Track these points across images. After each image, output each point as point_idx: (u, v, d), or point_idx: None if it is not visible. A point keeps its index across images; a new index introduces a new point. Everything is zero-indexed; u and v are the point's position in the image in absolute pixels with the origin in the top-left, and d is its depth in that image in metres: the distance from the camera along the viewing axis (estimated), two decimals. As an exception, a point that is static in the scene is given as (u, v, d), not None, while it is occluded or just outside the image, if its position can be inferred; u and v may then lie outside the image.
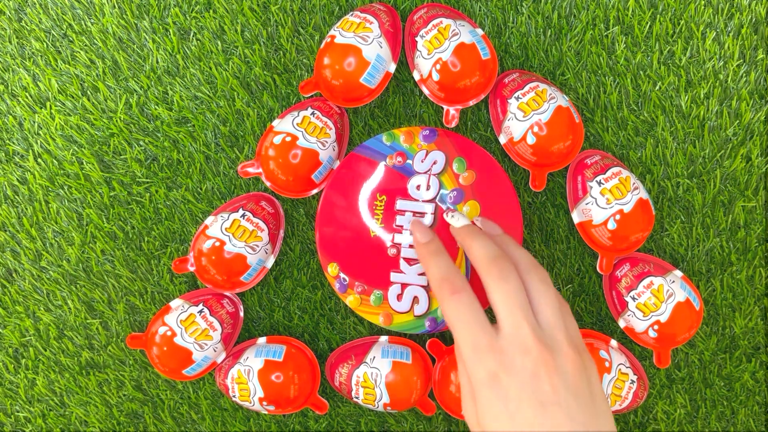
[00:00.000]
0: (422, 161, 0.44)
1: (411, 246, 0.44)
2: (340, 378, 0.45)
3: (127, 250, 0.47)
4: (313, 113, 0.43)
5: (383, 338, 0.46)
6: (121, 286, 0.47)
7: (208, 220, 0.44)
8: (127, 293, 0.47)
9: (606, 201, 0.43)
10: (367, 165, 0.44)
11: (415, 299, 0.44)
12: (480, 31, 0.43)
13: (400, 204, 0.44)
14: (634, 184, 0.43)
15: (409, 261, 0.44)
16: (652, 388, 0.47)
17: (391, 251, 0.44)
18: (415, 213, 0.44)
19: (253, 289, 0.47)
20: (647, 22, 0.45)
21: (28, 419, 0.48)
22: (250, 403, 0.44)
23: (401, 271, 0.44)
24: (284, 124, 0.43)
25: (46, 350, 0.47)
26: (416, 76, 0.44)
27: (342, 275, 0.45)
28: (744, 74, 0.45)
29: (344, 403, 0.47)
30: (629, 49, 0.45)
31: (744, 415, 0.48)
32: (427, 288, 0.44)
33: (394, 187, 0.44)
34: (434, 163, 0.44)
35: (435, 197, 0.44)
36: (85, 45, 0.46)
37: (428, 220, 0.44)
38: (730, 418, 0.48)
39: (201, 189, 0.46)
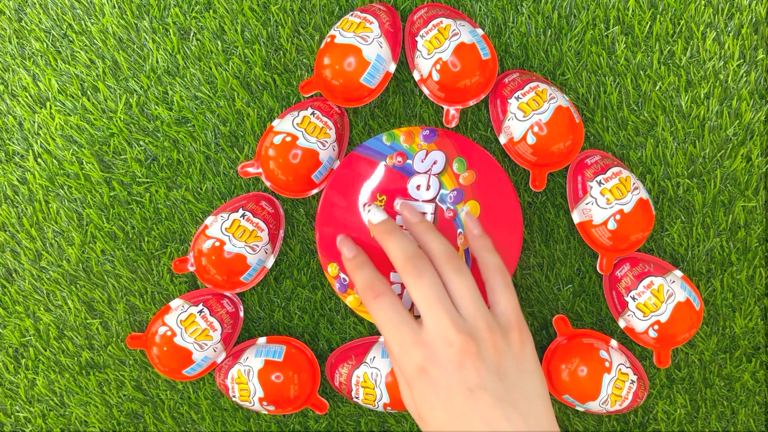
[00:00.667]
0: (422, 161, 0.44)
1: None
2: (340, 378, 0.45)
3: (127, 250, 0.47)
4: (313, 113, 0.43)
5: (383, 338, 0.45)
6: (121, 286, 0.47)
7: (208, 220, 0.44)
8: (127, 293, 0.47)
9: (606, 201, 0.43)
10: (367, 165, 0.44)
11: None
12: (480, 31, 0.43)
13: (398, 203, 0.44)
14: (634, 184, 0.43)
15: None
16: (652, 388, 0.47)
17: None
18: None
19: (253, 289, 0.47)
20: (647, 22, 0.45)
21: (28, 419, 0.48)
22: (250, 403, 0.44)
23: None
24: (284, 124, 0.43)
25: (46, 350, 0.47)
26: (416, 76, 0.44)
27: (342, 275, 0.45)
28: (744, 74, 0.45)
29: (344, 403, 0.47)
30: (629, 49, 0.45)
31: (744, 415, 0.48)
32: None
33: (394, 187, 0.44)
34: (434, 163, 0.44)
35: (435, 197, 0.44)
36: (85, 45, 0.46)
37: (428, 219, 0.44)
38: (730, 418, 0.48)
39: (201, 189, 0.46)
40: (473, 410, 0.34)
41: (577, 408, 0.44)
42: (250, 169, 0.44)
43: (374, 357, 0.44)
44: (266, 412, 0.45)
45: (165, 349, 0.44)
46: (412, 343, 0.35)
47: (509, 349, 0.36)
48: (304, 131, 0.43)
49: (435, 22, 0.43)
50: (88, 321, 0.47)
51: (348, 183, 0.44)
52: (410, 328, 0.36)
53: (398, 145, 0.44)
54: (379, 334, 0.46)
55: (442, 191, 0.44)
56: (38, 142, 0.46)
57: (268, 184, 0.44)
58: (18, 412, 0.48)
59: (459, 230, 0.44)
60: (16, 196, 0.47)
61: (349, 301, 0.45)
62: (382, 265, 0.44)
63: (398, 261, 0.38)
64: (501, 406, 0.34)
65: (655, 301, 0.43)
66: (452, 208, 0.44)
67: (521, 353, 0.36)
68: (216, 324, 0.44)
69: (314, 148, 0.43)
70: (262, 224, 0.44)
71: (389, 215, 0.43)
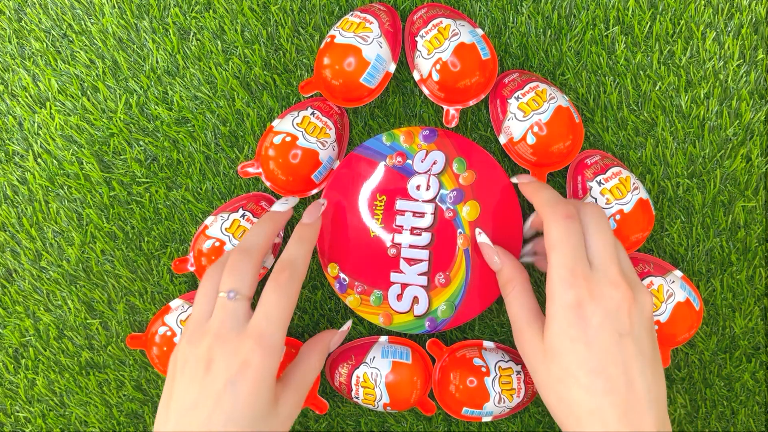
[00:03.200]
0: (422, 161, 0.44)
1: (411, 246, 0.44)
2: (339, 378, 0.45)
3: (127, 250, 0.47)
4: (313, 113, 0.43)
5: (383, 338, 0.46)
6: (120, 286, 0.47)
7: (208, 220, 0.44)
8: (127, 293, 0.47)
9: (606, 201, 0.43)
10: (367, 165, 0.44)
11: (415, 299, 0.44)
12: (480, 31, 0.43)
13: (400, 204, 0.44)
14: (634, 184, 0.43)
15: (410, 261, 0.44)
16: (652, 388, 0.47)
17: (391, 251, 0.44)
18: (415, 213, 0.44)
19: (253, 289, 0.47)
20: (647, 22, 0.45)
21: (28, 419, 0.48)
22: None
23: (401, 271, 0.44)
24: (284, 124, 0.43)
25: (45, 350, 0.47)
26: (416, 76, 0.44)
27: (342, 275, 0.45)
28: (744, 74, 0.45)
29: (344, 403, 0.47)
30: (629, 49, 0.45)
31: (744, 415, 0.48)
32: (426, 288, 0.44)
33: (394, 187, 0.44)
34: (434, 163, 0.44)
35: (435, 197, 0.44)
36: (85, 45, 0.46)
37: (428, 220, 0.44)
38: (730, 418, 0.48)
39: (201, 189, 0.46)
40: (615, 354, 0.35)
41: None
42: (250, 169, 0.44)
43: (374, 357, 0.44)
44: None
45: (165, 349, 0.44)
46: (582, 275, 0.36)
47: (650, 310, 0.37)
48: (304, 131, 0.43)
49: (435, 22, 0.43)
50: (88, 321, 0.47)
51: (348, 183, 0.44)
52: (584, 261, 0.36)
53: (398, 145, 0.44)
54: (378, 334, 0.46)
55: (442, 191, 0.44)
56: (38, 142, 0.46)
57: (267, 184, 0.44)
58: (18, 412, 0.48)
59: (459, 230, 0.44)
60: (16, 196, 0.47)
61: (349, 301, 0.45)
62: (384, 265, 0.44)
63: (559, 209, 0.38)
64: (640, 359, 0.35)
65: (655, 301, 0.43)
66: (452, 208, 0.44)
67: (651, 317, 0.38)
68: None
69: (314, 148, 0.43)
70: None
71: (393, 214, 0.44)
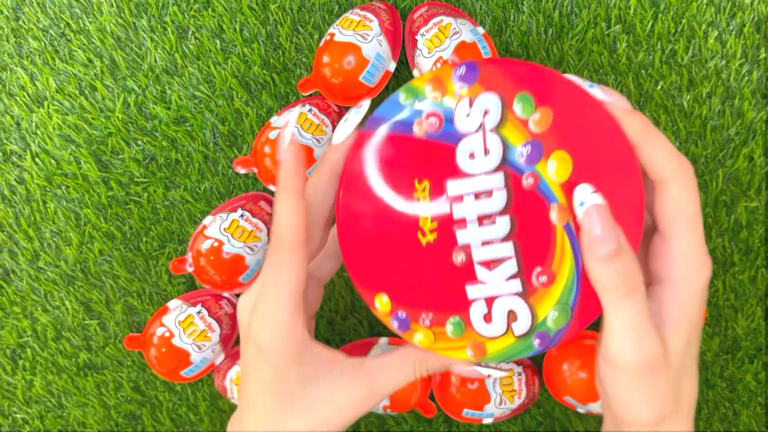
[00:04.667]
0: (467, 115, 0.30)
1: (485, 243, 0.30)
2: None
3: (125, 251, 0.46)
4: (310, 110, 0.43)
5: (383, 339, 0.45)
6: (119, 286, 0.47)
7: (207, 220, 0.44)
8: (125, 294, 0.47)
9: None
10: (388, 144, 0.30)
11: (511, 315, 0.31)
12: (481, 30, 0.43)
13: (452, 187, 0.30)
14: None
15: (489, 264, 0.30)
16: (653, 389, 0.47)
17: (459, 257, 0.31)
18: (478, 194, 0.30)
19: (252, 290, 0.47)
20: (649, 21, 0.45)
21: (26, 420, 0.48)
22: (249, 404, 0.44)
23: (480, 281, 0.31)
24: (282, 121, 0.43)
25: (43, 351, 0.47)
26: (416, 74, 0.43)
27: (399, 311, 0.31)
28: (746, 73, 0.45)
29: (344, 405, 0.47)
30: (631, 48, 0.45)
31: (746, 416, 0.47)
32: (523, 294, 0.30)
33: (438, 165, 0.30)
34: (486, 113, 0.30)
35: (501, 162, 0.30)
36: (83, 44, 0.45)
37: (500, 199, 0.30)
38: (732, 420, 0.47)
39: (199, 189, 0.46)
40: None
41: (578, 410, 0.44)
42: (242, 170, 0.44)
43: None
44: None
45: (163, 350, 0.44)
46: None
47: None
48: (300, 127, 0.42)
49: (435, 20, 0.42)
50: (86, 322, 0.47)
51: (367, 179, 0.31)
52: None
53: (425, 101, 0.30)
54: (379, 335, 0.46)
55: (508, 151, 0.30)
56: (36, 141, 0.46)
57: (272, 187, 0.44)
58: (16, 413, 0.48)
59: (550, 201, 0.30)
60: (14, 196, 0.46)
61: (419, 340, 0.31)
62: (453, 279, 0.31)
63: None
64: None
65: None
66: (531, 171, 0.30)
67: None
68: (214, 325, 0.44)
69: (309, 144, 0.42)
70: (261, 224, 0.44)
71: (446, 204, 0.30)
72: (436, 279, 0.31)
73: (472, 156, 0.30)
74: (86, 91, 0.46)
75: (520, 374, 0.44)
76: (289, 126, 0.31)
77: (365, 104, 0.31)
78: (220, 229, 0.43)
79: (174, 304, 0.45)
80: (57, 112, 0.46)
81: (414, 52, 0.43)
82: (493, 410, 0.44)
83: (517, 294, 0.31)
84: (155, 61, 0.45)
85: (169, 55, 0.45)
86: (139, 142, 0.46)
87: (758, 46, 0.45)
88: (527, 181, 0.30)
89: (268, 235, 0.44)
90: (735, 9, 0.45)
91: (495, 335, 0.31)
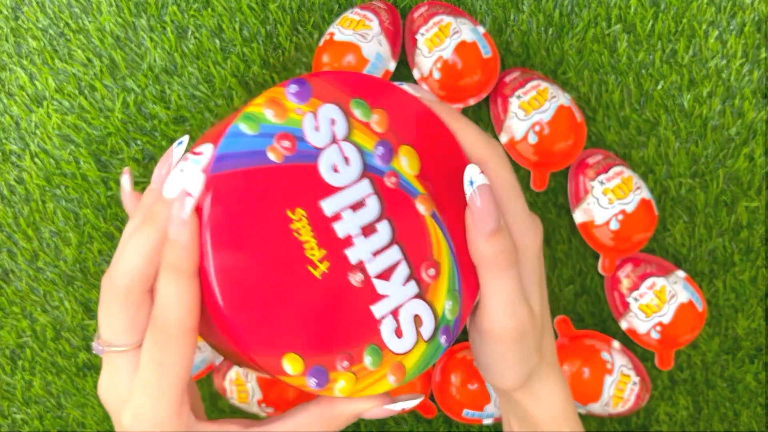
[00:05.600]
0: (317, 129, 0.28)
1: (376, 253, 0.29)
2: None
3: (125, 251, 0.46)
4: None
5: None
6: (118, 286, 0.47)
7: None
8: (125, 294, 0.47)
9: (608, 201, 0.42)
10: (246, 179, 0.27)
11: (417, 320, 0.30)
12: (481, 29, 0.43)
13: (327, 207, 0.28)
14: (636, 183, 0.43)
15: (385, 275, 0.29)
16: (654, 389, 0.47)
17: (356, 278, 0.29)
18: (354, 206, 0.29)
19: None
20: (649, 21, 0.45)
21: (25, 421, 0.48)
22: (249, 405, 0.44)
23: (383, 296, 0.29)
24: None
25: (43, 351, 0.47)
26: (416, 74, 0.43)
27: (313, 365, 0.27)
28: (747, 73, 0.45)
29: (344, 405, 0.47)
30: (631, 48, 0.45)
31: (746, 416, 0.47)
32: (421, 294, 0.30)
33: (305, 188, 0.28)
34: (333, 123, 0.28)
35: (364, 168, 0.29)
36: (83, 43, 0.45)
37: (374, 204, 0.29)
38: (732, 420, 0.47)
39: (199, 189, 0.46)
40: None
41: (579, 410, 0.44)
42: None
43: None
44: (265, 414, 0.45)
45: (163, 350, 0.44)
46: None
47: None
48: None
49: (435, 20, 0.42)
50: (85, 322, 0.47)
51: (234, 224, 0.26)
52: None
53: (270, 125, 0.27)
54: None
55: (365, 156, 0.29)
56: (35, 141, 0.46)
57: None
58: (15, 413, 0.48)
59: (413, 195, 0.30)
60: (13, 196, 0.46)
61: (341, 389, 0.28)
62: (357, 305, 0.29)
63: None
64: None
65: (658, 302, 0.43)
66: (390, 170, 0.29)
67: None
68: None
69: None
70: None
71: (327, 226, 0.28)
72: (341, 311, 0.28)
73: (335, 169, 0.28)
74: (85, 91, 0.46)
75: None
76: (191, 181, 0.25)
77: (184, 140, 0.28)
78: None
79: (173, 304, 0.45)
80: (56, 111, 0.46)
81: (414, 51, 0.43)
82: (493, 410, 0.43)
83: (416, 296, 0.30)
84: (155, 60, 0.45)
85: (168, 54, 0.45)
86: (139, 142, 0.46)
87: (759, 46, 0.45)
88: (390, 180, 0.29)
89: None
90: (735, 8, 0.45)
91: (408, 348, 0.30)
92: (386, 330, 0.29)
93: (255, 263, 0.27)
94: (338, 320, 0.28)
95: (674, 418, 0.47)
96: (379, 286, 0.29)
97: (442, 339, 0.30)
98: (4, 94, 0.46)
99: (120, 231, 0.46)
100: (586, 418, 0.47)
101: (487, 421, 0.44)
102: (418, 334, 0.30)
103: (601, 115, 0.45)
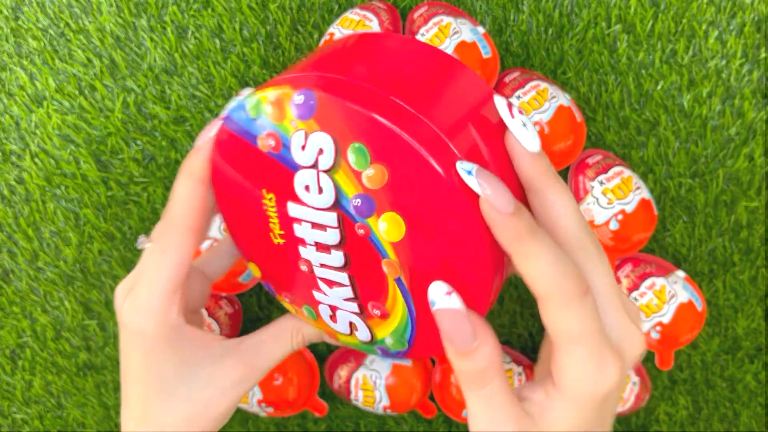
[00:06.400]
0: (303, 149, 0.27)
1: (323, 266, 0.30)
2: (339, 380, 0.44)
3: (125, 251, 0.46)
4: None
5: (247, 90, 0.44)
6: (118, 286, 0.47)
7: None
8: (125, 294, 0.47)
9: (608, 201, 0.42)
10: (239, 147, 0.29)
11: (352, 326, 0.31)
12: (481, 30, 0.43)
13: (292, 210, 0.29)
14: (636, 183, 0.43)
15: (328, 283, 0.30)
16: (654, 389, 0.47)
17: (303, 266, 0.30)
18: (314, 224, 0.28)
19: (251, 291, 0.46)
20: (649, 21, 0.45)
21: (25, 421, 0.48)
22: (249, 404, 0.44)
23: (323, 292, 0.31)
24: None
25: (43, 351, 0.47)
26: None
27: (266, 281, 0.33)
28: (747, 73, 0.45)
29: (343, 405, 0.47)
30: (631, 48, 0.45)
31: (746, 416, 0.47)
32: (361, 316, 0.30)
33: (280, 184, 0.28)
34: (320, 152, 0.26)
35: (335, 204, 0.27)
36: (83, 43, 0.45)
37: (333, 236, 0.28)
38: (732, 420, 0.47)
39: (199, 189, 0.46)
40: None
41: None
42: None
43: (373, 359, 0.44)
44: (265, 414, 0.45)
45: (163, 350, 0.44)
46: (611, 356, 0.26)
47: None
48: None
49: (435, 20, 0.42)
50: (85, 322, 0.47)
51: (228, 169, 0.30)
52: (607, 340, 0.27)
53: (266, 120, 0.27)
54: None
55: (341, 196, 0.27)
56: (35, 141, 0.46)
57: None
58: (15, 413, 0.48)
59: (384, 257, 0.28)
60: (13, 196, 0.46)
61: (286, 304, 0.33)
62: (302, 279, 0.31)
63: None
64: None
65: (657, 302, 0.43)
66: (362, 222, 0.27)
67: None
68: (214, 325, 0.44)
69: None
70: None
71: (289, 220, 0.29)
72: (289, 273, 0.31)
73: (307, 189, 0.28)
74: (86, 91, 0.46)
75: (520, 374, 0.44)
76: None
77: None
78: (219, 229, 0.43)
79: (173, 304, 0.45)
80: (56, 111, 0.46)
81: (414, 51, 0.43)
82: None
83: (355, 313, 0.31)
84: (155, 60, 0.45)
85: (168, 54, 0.45)
86: (139, 142, 0.46)
87: (759, 46, 0.45)
88: (359, 231, 0.27)
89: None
90: (735, 8, 0.45)
91: (341, 332, 0.32)
92: (322, 310, 0.32)
93: (240, 197, 0.30)
94: (286, 275, 0.31)
95: (674, 418, 0.47)
96: (322, 285, 0.30)
97: (378, 350, 0.32)
98: (4, 94, 0.46)
99: (120, 231, 0.46)
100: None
101: (487, 421, 0.44)
102: (353, 333, 0.32)
103: (601, 115, 0.45)
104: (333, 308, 0.31)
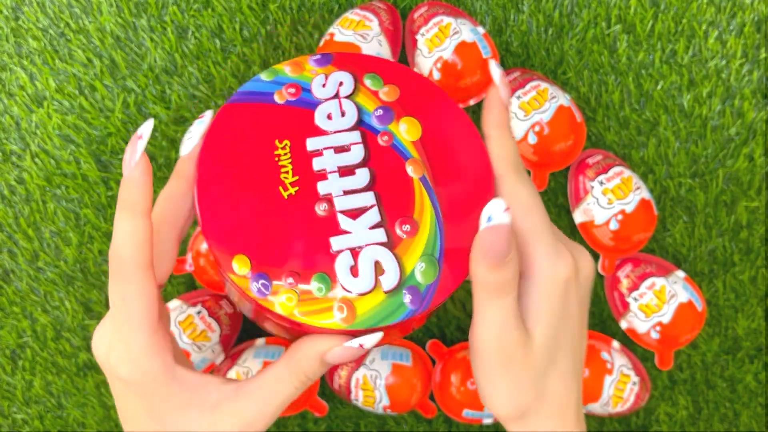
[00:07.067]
0: (323, 86, 0.32)
1: (347, 192, 0.30)
2: (339, 380, 0.44)
3: (125, 251, 0.46)
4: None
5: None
6: (118, 286, 0.47)
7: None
8: (125, 294, 0.47)
9: (608, 201, 0.42)
10: (250, 111, 0.31)
11: (378, 267, 0.29)
12: (481, 30, 0.43)
13: (312, 143, 0.30)
14: (636, 184, 0.43)
15: (352, 214, 0.29)
16: (654, 389, 0.47)
17: (321, 207, 0.29)
18: (337, 149, 0.30)
19: (251, 290, 0.46)
20: (649, 21, 0.45)
21: (25, 421, 0.48)
22: (249, 404, 0.44)
23: (345, 231, 0.29)
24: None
25: (43, 351, 0.47)
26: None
27: (259, 272, 0.29)
28: (747, 73, 0.45)
29: (343, 405, 0.47)
30: (631, 48, 0.45)
31: (746, 416, 0.47)
32: (388, 245, 0.29)
33: (297, 126, 0.31)
34: (340, 84, 0.32)
35: (357, 122, 0.31)
36: (83, 44, 0.45)
37: (358, 152, 0.30)
38: (732, 420, 0.47)
39: (199, 189, 0.46)
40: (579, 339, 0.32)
41: (485, 421, 0.44)
42: (184, 266, 0.44)
43: (374, 359, 0.44)
44: None
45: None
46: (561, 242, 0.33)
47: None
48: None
49: (435, 20, 0.42)
50: (85, 322, 0.47)
51: (229, 141, 0.30)
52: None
53: (285, 77, 0.32)
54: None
55: (363, 114, 0.31)
56: (35, 141, 0.46)
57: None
58: (15, 413, 0.48)
59: (404, 156, 0.31)
60: (13, 196, 0.46)
61: (282, 304, 0.28)
62: (317, 232, 0.29)
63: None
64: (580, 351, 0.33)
65: (657, 302, 0.43)
66: (384, 129, 0.31)
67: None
68: (214, 325, 0.44)
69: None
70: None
71: (306, 158, 0.30)
72: (299, 233, 0.29)
73: (329, 117, 0.31)
74: (86, 91, 0.46)
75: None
76: (143, 136, 0.28)
77: (208, 115, 0.31)
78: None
79: (174, 304, 0.45)
80: (56, 112, 0.46)
81: (414, 51, 0.43)
82: (493, 410, 0.43)
83: (382, 244, 0.29)
84: (155, 60, 0.45)
85: (168, 54, 0.45)
86: (139, 142, 0.46)
87: (758, 46, 0.45)
88: (382, 139, 0.31)
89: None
90: (735, 9, 0.45)
91: (363, 291, 0.28)
92: (341, 264, 0.29)
93: (233, 174, 0.30)
94: (294, 241, 0.29)
95: (674, 418, 0.47)
96: (343, 221, 0.29)
97: (407, 299, 0.28)
98: (4, 94, 0.46)
99: (120, 231, 0.46)
100: (585, 418, 0.47)
101: (487, 421, 0.44)
102: (377, 281, 0.28)
103: (601, 115, 0.45)
104: (355, 253, 0.29)
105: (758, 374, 0.47)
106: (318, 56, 0.32)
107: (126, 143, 0.45)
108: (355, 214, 0.29)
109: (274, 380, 0.29)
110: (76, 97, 0.46)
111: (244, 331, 0.47)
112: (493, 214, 0.28)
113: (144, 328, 0.28)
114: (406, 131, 0.31)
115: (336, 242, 0.29)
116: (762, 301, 0.46)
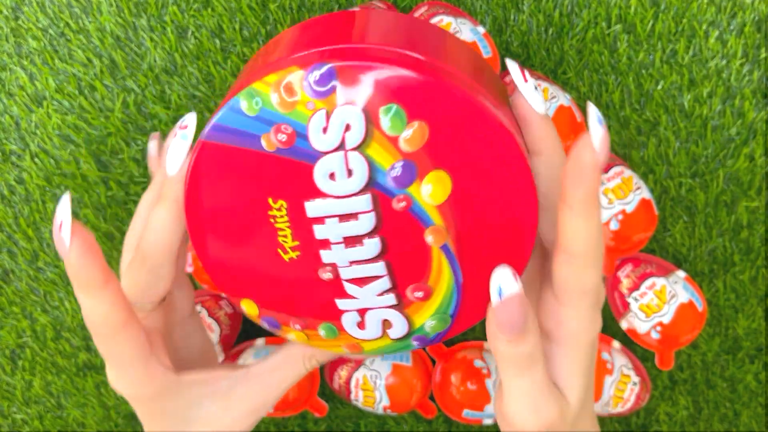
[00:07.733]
0: (324, 131, 0.24)
1: (354, 263, 0.26)
2: (339, 380, 0.44)
3: (125, 251, 0.46)
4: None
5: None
6: (118, 286, 0.47)
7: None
8: (125, 294, 0.47)
9: (608, 201, 0.42)
10: (234, 157, 0.25)
11: (386, 324, 0.28)
12: (481, 29, 0.43)
13: (311, 209, 0.25)
14: (636, 183, 0.43)
15: (359, 282, 0.27)
16: (654, 389, 0.47)
17: (325, 275, 0.27)
18: (341, 217, 0.25)
19: (251, 290, 0.46)
20: (650, 21, 0.45)
21: (25, 421, 0.48)
22: (249, 405, 0.44)
23: (351, 296, 0.28)
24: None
25: (43, 351, 0.47)
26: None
27: (267, 317, 0.28)
28: (747, 73, 0.45)
29: (343, 405, 0.47)
30: (631, 48, 0.45)
31: (747, 416, 0.47)
32: (398, 307, 0.28)
33: (293, 185, 0.25)
34: (347, 129, 0.24)
35: (367, 184, 0.25)
36: (83, 43, 0.45)
37: (367, 222, 0.25)
38: (732, 420, 0.47)
39: (199, 189, 0.46)
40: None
41: (486, 422, 0.44)
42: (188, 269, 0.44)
43: (373, 359, 0.44)
44: (264, 414, 0.45)
45: (163, 350, 0.44)
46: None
47: None
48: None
49: (435, 20, 0.42)
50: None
51: (214, 189, 0.26)
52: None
53: (272, 112, 0.24)
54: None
55: (375, 172, 0.24)
56: (35, 141, 0.46)
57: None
58: (15, 413, 0.48)
59: (427, 225, 0.25)
60: (13, 196, 0.46)
61: (292, 338, 0.29)
62: (322, 292, 0.27)
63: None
64: None
65: (658, 302, 0.43)
66: (403, 194, 0.25)
67: None
68: (214, 326, 0.44)
69: None
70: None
71: (306, 224, 0.26)
72: (303, 292, 0.27)
73: (332, 177, 0.25)
74: (85, 91, 0.46)
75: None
76: (174, 155, 0.26)
77: (190, 122, 0.27)
78: None
79: (173, 304, 0.45)
80: (56, 111, 0.46)
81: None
82: (493, 411, 0.43)
83: (392, 306, 0.28)
84: (155, 60, 0.45)
85: (168, 54, 0.45)
86: (139, 142, 0.46)
87: (759, 46, 0.45)
88: (398, 205, 0.25)
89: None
90: (736, 8, 0.45)
91: (370, 338, 0.28)
92: (347, 320, 0.28)
93: (227, 225, 0.26)
94: (298, 298, 0.27)
95: (674, 418, 0.47)
96: (350, 288, 0.27)
97: (415, 343, 0.28)
98: (4, 94, 0.46)
99: (120, 231, 0.46)
100: (586, 418, 0.47)
101: (487, 421, 0.44)
102: (385, 333, 0.28)
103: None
104: (362, 312, 0.28)
105: (758, 374, 0.47)
106: (317, 75, 0.23)
107: (126, 143, 0.45)
108: (362, 282, 0.27)
109: (285, 364, 0.30)
110: (75, 97, 0.46)
111: (243, 331, 0.47)
112: (503, 285, 0.26)
113: (135, 363, 0.27)
114: (430, 194, 0.25)
115: (342, 304, 0.28)
116: (762, 301, 0.46)
